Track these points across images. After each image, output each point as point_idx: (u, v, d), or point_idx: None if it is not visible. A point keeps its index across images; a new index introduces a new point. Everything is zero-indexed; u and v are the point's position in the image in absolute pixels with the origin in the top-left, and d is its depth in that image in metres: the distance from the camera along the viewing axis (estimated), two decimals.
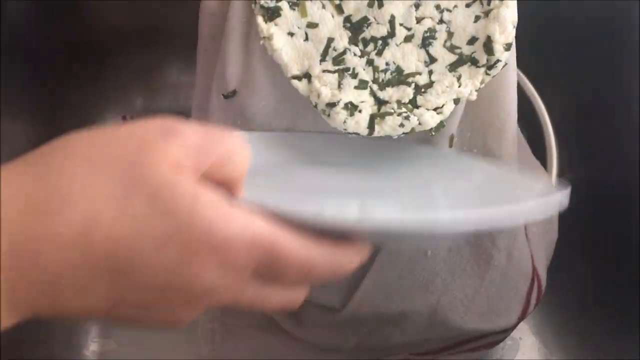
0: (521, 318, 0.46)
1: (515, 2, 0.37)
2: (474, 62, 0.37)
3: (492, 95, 0.41)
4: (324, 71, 0.37)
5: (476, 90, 0.37)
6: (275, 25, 0.38)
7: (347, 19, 0.38)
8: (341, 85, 0.37)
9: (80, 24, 0.66)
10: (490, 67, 0.37)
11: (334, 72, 0.37)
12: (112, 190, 0.22)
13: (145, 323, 0.25)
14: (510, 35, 0.37)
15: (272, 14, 0.37)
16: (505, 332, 0.48)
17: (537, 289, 0.47)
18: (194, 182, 0.23)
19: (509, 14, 0.36)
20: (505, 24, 0.36)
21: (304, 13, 0.38)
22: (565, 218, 0.53)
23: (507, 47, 0.37)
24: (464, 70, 0.37)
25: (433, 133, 0.38)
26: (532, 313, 0.60)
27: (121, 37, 0.69)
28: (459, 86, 0.37)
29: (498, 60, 0.37)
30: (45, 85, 0.65)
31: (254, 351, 0.51)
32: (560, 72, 0.55)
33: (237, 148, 0.25)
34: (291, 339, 0.51)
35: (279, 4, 0.37)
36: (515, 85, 0.41)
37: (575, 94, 0.58)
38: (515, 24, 0.37)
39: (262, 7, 0.38)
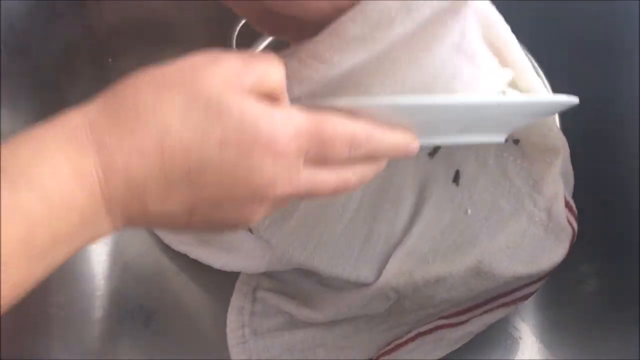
0: (567, 253, 0.49)
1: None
2: None
3: None
4: None
5: None
6: None
7: None
8: None
9: (81, 23, 0.66)
10: None
11: None
12: (175, 106, 0.26)
13: (222, 224, 0.30)
14: None
15: None
16: (542, 279, 0.51)
17: (574, 219, 0.50)
18: (241, 92, 0.27)
19: None
20: None
21: None
22: None
23: None
24: None
25: None
26: (532, 313, 0.61)
27: (121, 37, 0.69)
28: None
29: None
30: (45, 85, 0.65)
31: (286, 349, 0.53)
32: (560, 72, 0.55)
33: (272, 65, 0.29)
34: (321, 331, 0.53)
35: None
36: None
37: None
38: None
39: None
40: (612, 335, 0.55)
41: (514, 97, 0.32)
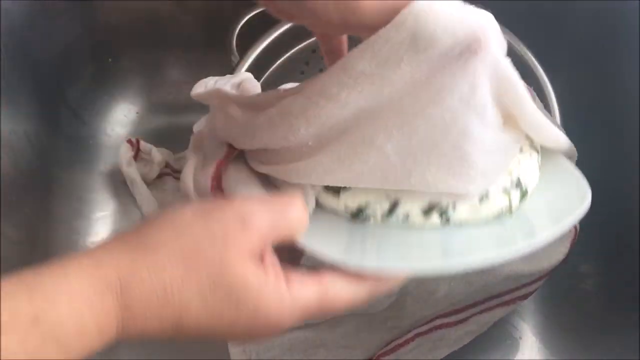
0: (568, 252, 0.49)
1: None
2: None
3: None
4: None
5: None
6: None
7: None
8: None
9: (80, 24, 0.66)
10: None
11: None
12: (200, 287, 0.30)
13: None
14: None
15: None
16: (542, 278, 0.50)
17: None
18: (261, 272, 0.30)
19: None
20: None
21: None
22: None
23: None
24: None
25: None
26: (532, 313, 0.61)
27: (121, 37, 0.69)
28: None
29: None
30: (45, 85, 0.65)
31: (287, 349, 0.54)
32: (560, 72, 0.55)
33: (296, 219, 0.32)
34: (322, 331, 0.53)
35: None
36: None
37: (575, 93, 0.58)
38: None
39: None
40: (612, 335, 0.55)
41: (532, 242, 0.32)
